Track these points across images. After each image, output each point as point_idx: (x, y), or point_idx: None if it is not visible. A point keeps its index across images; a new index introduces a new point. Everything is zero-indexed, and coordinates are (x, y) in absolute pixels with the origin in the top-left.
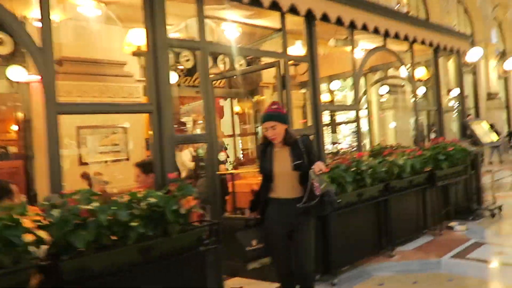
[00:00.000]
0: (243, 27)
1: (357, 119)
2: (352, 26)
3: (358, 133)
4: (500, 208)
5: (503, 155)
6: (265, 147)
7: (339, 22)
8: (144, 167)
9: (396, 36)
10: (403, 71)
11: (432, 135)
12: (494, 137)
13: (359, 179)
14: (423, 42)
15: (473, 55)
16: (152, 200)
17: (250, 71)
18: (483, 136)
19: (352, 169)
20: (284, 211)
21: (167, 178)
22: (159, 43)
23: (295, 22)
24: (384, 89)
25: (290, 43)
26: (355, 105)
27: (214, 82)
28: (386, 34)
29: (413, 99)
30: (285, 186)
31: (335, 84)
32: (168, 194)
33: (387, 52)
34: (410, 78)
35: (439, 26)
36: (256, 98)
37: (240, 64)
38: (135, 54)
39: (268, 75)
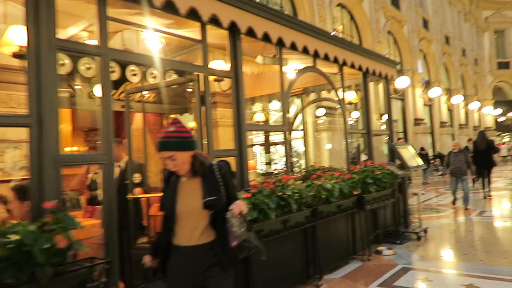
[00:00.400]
0: (167, 38)
1: (285, 141)
2: (281, 43)
3: (286, 155)
4: (425, 230)
5: (428, 177)
6: (169, 176)
7: (266, 38)
8: (19, 191)
9: (326, 58)
10: (334, 94)
11: (363, 158)
12: (419, 161)
13: (284, 205)
14: (352, 65)
15: (401, 82)
16: (14, 237)
17: (167, 85)
18: (409, 160)
19: (277, 194)
20: (189, 263)
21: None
22: (44, 44)
23: (222, 36)
24: (321, 111)
25: (216, 57)
26: (283, 126)
27: (139, 96)
28: (316, 55)
29: (344, 121)
30: (191, 230)
31: (274, 104)
32: (44, 227)
33: (318, 73)
34: (341, 101)
35: (368, 51)
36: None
37: (169, 77)
38: (16, 55)
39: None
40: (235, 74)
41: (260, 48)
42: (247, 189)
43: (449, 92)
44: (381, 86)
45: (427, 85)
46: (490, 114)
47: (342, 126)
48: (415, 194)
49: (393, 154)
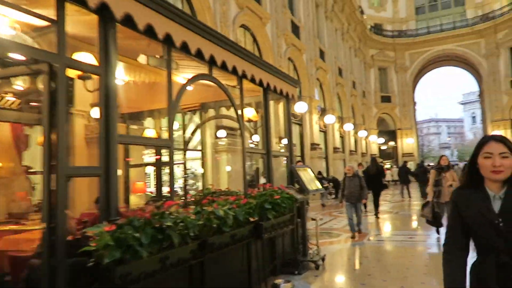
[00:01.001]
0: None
1: (170, 159)
2: (169, 41)
3: (171, 175)
4: (323, 258)
5: (324, 200)
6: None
7: (150, 32)
8: None
9: (224, 66)
10: (234, 111)
11: (262, 181)
12: (318, 184)
13: (162, 238)
14: (253, 79)
15: (300, 107)
16: None
17: None
18: (309, 183)
19: (154, 225)
20: None
21: None
22: None
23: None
24: (222, 132)
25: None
26: (168, 141)
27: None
28: (212, 62)
29: (242, 139)
30: None
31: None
32: None
33: (214, 83)
34: (239, 117)
35: (270, 65)
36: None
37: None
38: None
39: (83, 98)
40: (105, 70)
41: (146, 48)
42: (112, 220)
43: (341, 120)
44: (280, 108)
45: (323, 112)
46: (375, 142)
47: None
48: (313, 219)
49: (293, 176)
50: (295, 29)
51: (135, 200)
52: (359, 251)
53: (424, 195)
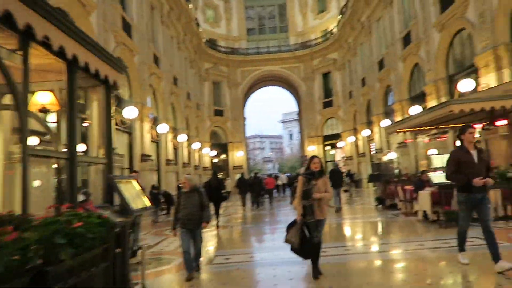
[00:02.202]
0: None
1: None
2: None
3: None
4: None
5: (156, 217)
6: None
7: None
8: None
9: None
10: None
11: (81, 198)
12: (146, 201)
13: None
14: (47, 42)
15: (130, 112)
16: None
17: None
18: (133, 200)
19: None
20: None
21: None
22: None
23: None
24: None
25: None
26: None
27: None
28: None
29: (23, 136)
30: None
31: None
32: None
33: None
34: (20, 103)
35: (79, 30)
36: None
37: None
38: None
39: None
40: None
41: None
42: None
43: (175, 131)
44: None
45: (155, 121)
46: (207, 155)
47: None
48: (139, 248)
49: (112, 191)
50: (127, 27)
51: None
52: (196, 282)
53: (256, 203)
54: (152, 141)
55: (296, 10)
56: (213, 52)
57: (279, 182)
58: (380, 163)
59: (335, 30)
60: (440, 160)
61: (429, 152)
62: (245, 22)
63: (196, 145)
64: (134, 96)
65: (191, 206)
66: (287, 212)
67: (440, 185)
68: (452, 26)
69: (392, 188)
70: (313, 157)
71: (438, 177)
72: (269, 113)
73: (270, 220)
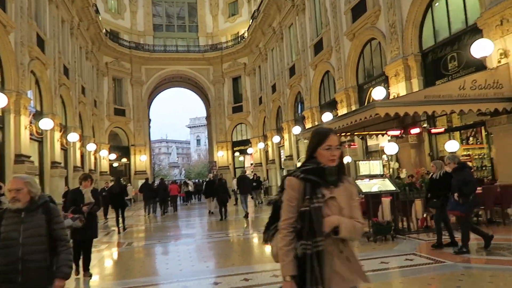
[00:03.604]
0: None
1: None
2: None
3: None
4: None
5: None
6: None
7: None
8: None
9: None
10: None
11: None
12: None
13: None
14: None
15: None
16: None
17: None
18: None
19: None
20: None
21: None
22: None
23: None
24: None
25: None
26: None
27: None
28: None
29: None
30: None
31: None
32: None
33: None
34: None
35: None
36: None
37: None
38: None
39: None
40: None
41: None
42: None
43: (64, 129)
44: None
45: (38, 115)
46: (106, 158)
47: None
48: None
49: None
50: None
51: None
52: None
53: (160, 210)
54: (32, 138)
55: (206, 11)
56: (115, 45)
57: (189, 189)
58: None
59: (246, 35)
60: (367, 167)
61: (349, 159)
62: (152, 17)
63: (91, 147)
64: (7, 82)
65: (26, 241)
66: (194, 224)
67: (368, 195)
68: (363, 35)
69: None
70: (328, 132)
71: (367, 186)
72: (176, 117)
73: (174, 234)
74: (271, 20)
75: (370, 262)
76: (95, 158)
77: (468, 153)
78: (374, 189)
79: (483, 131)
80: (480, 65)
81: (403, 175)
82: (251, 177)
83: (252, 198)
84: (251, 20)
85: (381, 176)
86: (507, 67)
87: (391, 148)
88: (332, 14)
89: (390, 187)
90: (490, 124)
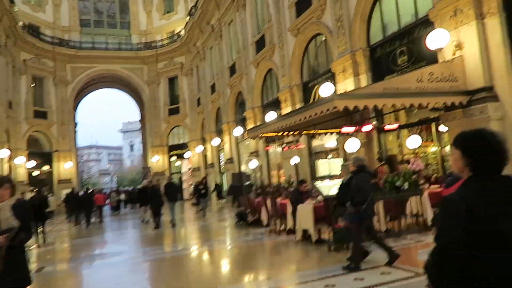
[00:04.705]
0: None
1: None
2: None
3: None
4: None
5: None
6: None
7: None
8: None
9: None
10: None
11: None
12: None
13: None
14: None
15: None
16: None
17: None
18: None
19: None
20: None
21: None
22: None
23: None
24: None
25: None
26: None
27: None
28: None
29: None
30: None
31: None
32: None
33: None
34: None
35: None
36: None
37: None
38: None
39: None
40: None
41: None
42: None
43: None
44: None
45: None
46: (23, 165)
47: None
48: None
49: None
50: None
51: None
52: None
53: (86, 222)
54: None
55: (139, 7)
56: (35, 40)
57: (120, 197)
58: (241, 173)
59: (182, 32)
60: (327, 166)
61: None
62: (78, 11)
63: (4, 153)
64: None
65: None
66: (126, 238)
67: (327, 198)
68: (308, 30)
69: (260, 201)
70: None
71: (327, 187)
72: (108, 122)
73: (100, 253)
74: (210, 17)
75: (342, 280)
76: (10, 166)
77: (417, 151)
78: (335, 190)
79: (433, 127)
80: (431, 59)
81: None
82: (202, 182)
83: (194, 205)
84: (188, 17)
85: (339, 176)
86: (461, 59)
87: (352, 146)
88: (275, 9)
89: None
90: (444, 119)
